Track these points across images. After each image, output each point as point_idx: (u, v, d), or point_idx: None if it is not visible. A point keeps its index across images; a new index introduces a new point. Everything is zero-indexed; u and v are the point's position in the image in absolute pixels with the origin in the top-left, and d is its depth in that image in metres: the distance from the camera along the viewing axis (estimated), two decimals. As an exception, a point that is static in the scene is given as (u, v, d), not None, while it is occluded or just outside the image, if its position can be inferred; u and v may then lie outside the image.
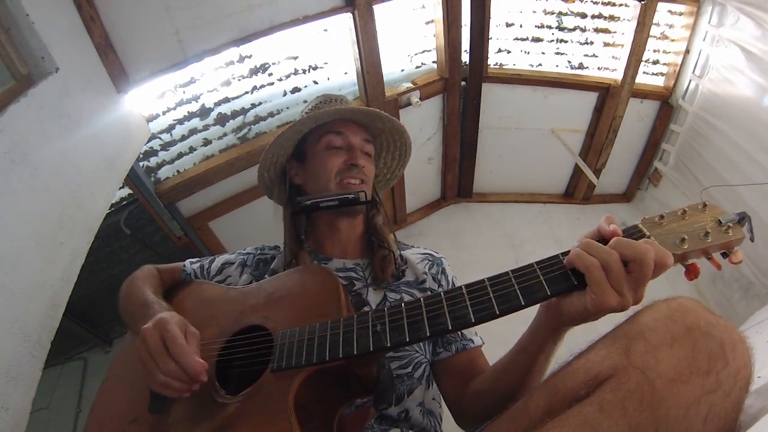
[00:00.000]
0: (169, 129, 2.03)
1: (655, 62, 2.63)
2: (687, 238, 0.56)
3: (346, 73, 2.29)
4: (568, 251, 0.58)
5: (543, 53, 2.62)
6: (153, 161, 2.06)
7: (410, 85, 2.45)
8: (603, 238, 0.58)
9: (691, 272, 0.57)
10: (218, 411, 0.68)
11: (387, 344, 0.61)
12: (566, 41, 2.58)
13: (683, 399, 0.46)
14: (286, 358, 0.66)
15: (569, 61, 2.66)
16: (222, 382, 0.74)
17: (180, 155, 2.11)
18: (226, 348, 0.77)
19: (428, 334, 0.59)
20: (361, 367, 0.68)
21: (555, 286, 0.56)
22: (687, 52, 2.45)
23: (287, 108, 2.23)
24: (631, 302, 0.54)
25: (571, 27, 2.52)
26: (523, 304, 0.56)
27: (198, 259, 1.07)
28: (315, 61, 2.19)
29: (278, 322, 0.74)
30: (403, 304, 0.63)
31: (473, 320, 0.57)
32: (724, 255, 0.57)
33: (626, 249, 0.54)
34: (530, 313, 0.66)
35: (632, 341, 0.51)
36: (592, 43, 2.57)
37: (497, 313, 0.56)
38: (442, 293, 0.61)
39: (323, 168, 0.98)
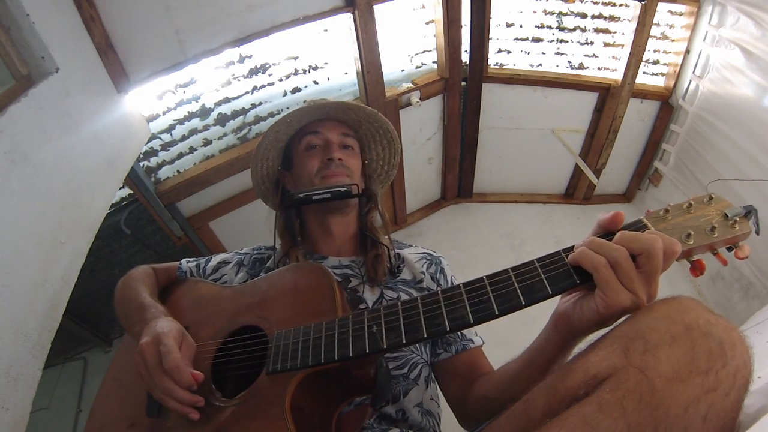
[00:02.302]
0: (170, 129, 2.03)
1: (655, 62, 2.63)
2: (693, 233, 0.54)
3: (346, 73, 2.29)
4: (570, 247, 0.56)
5: (543, 53, 2.62)
6: (153, 161, 2.06)
7: (410, 85, 2.45)
8: (606, 232, 0.57)
9: (697, 268, 0.55)
10: (215, 415, 0.67)
11: (383, 346, 0.59)
12: (566, 41, 2.58)
13: (682, 398, 0.45)
14: (281, 360, 0.65)
15: (569, 61, 2.66)
16: (218, 384, 0.74)
17: (180, 155, 2.12)
18: (221, 350, 0.77)
19: (425, 336, 0.57)
20: (357, 368, 0.67)
21: (557, 285, 0.54)
22: (687, 52, 2.45)
23: (287, 108, 2.23)
24: (645, 299, 0.53)
25: (571, 27, 2.52)
26: (523, 303, 0.54)
27: (195, 258, 1.07)
28: (315, 62, 2.19)
29: (273, 322, 0.73)
30: (399, 304, 0.62)
31: (472, 321, 0.55)
32: (730, 249, 0.55)
33: (633, 242, 0.52)
34: (533, 312, 0.66)
35: (631, 341, 0.50)
36: (592, 43, 2.57)
37: (497, 313, 0.55)
38: (439, 292, 0.60)
39: (304, 168, 1.00)
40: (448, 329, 0.56)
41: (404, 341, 0.58)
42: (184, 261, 1.05)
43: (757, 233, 0.55)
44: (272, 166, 1.07)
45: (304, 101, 1.15)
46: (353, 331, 0.62)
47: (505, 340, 1.02)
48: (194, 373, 0.68)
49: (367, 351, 0.59)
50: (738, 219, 0.54)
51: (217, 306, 0.85)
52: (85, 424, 0.81)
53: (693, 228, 0.54)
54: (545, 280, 0.54)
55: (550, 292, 0.54)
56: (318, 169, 0.99)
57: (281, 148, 1.07)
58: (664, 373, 0.47)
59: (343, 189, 0.92)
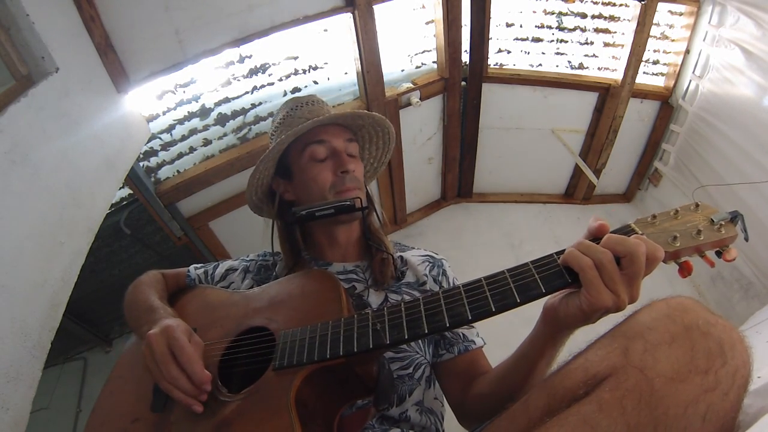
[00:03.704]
0: (170, 129, 2.03)
1: (655, 62, 2.63)
2: (679, 236, 0.56)
3: (346, 73, 2.30)
4: (563, 250, 0.58)
5: (543, 53, 2.63)
6: (153, 161, 2.06)
7: (410, 85, 2.45)
8: (595, 238, 0.59)
9: (685, 270, 0.57)
10: (220, 409, 0.68)
11: (386, 342, 0.61)
12: (566, 41, 2.58)
13: (682, 398, 0.46)
14: (288, 356, 0.67)
15: (569, 61, 2.66)
16: (225, 382, 0.75)
17: (180, 155, 2.12)
18: (229, 348, 0.78)
19: (426, 332, 0.60)
20: (361, 366, 0.68)
21: (550, 284, 0.56)
22: (687, 52, 2.45)
23: (287, 108, 2.23)
24: (627, 301, 0.54)
25: (571, 27, 2.52)
26: (518, 301, 0.57)
27: (202, 264, 1.07)
28: (315, 61, 2.19)
29: (280, 324, 0.75)
30: (402, 303, 0.64)
31: (470, 317, 0.58)
32: (719, 253, 0.57)
33: (617, 246, 0.54)
34: (531, 313, 0.66)
35: (631, 341, 0.51)
36: (592, 43, 2.58)
37: (493, 310, 0.57)
38: (440, 292, 0.62)
39: (315, 182, 0.95)
40: (447, 325, 0.59)
41: (406, 337, 0.61)
42: (192, 268, 1.05)
43: (746, 239, 0.57)
44: (267, 175, 1.00)
45: (294, 98, 1.11)
46: (358, 328, 0.65)
47: (504, 340, 1.02)
48: (205, 371, 0.69)
49: (371, 346, 0.62)
50: (723, 223, 0.56)
51: (225, 310, 0.86)
52: (88, 419, 0.81)
53: (679, 231, 0.57)
54: (539, 280, 0.57)
55: (544, 291, 0.57)
56: (332, 184, 0.94)
57: (277, 158, 1.00)
58: (663, 373, 0.47)
59: (347, 203, 0.90)
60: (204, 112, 2.06)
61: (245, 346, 0.76)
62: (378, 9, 2.02)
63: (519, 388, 0.71)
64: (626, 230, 0.59)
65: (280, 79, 2.15)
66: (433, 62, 2.52)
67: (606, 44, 2.57)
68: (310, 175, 0.96)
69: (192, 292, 0.99)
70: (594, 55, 2.62)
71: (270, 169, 1.00)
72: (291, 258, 0.99)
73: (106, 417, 0.81)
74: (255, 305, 0.83)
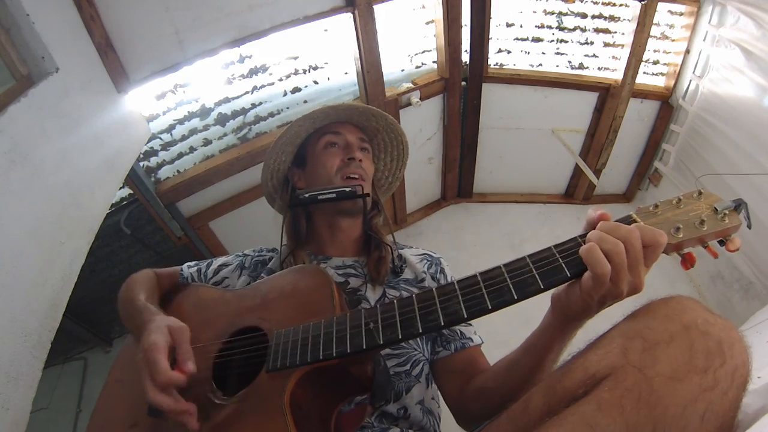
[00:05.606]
0: (170, 129, 2.03)
1: (656, 62, 2.63)
2: (682, 227, 0.55)
3: (346, 73, 2.30)
4: (560, 244, 0.57)
5: (543, 53, 2.62)
6: (153, 161, 2.06)
7: (410, 85, 2.45)
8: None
9: (687, 261, 0.56)
10: (215, 412, 0.68)
11: (380, 342, 0.60)
12: (566, 41, 2.58)
13: (681, 397, 0.46)
14: (281, 358, 0.66)
15: (569, 61, 2.66)
16: (219, 383, 0.74)
17: (180, 155, 2.12)
18: (222, 350, 0.77)
19: (420, 331, 0.59)
20: (355, 366, 0.68)
21: (548, 279, 0.55)
22: (687, 52, 2.45)
23: (287, 108, 2.23)
24: (624, 290, 0.54)
25: (572, 27, 2.52)
26: (515, 298, 0.55)
27: (196, 262, 1.07)
28: (315, 61, 2.19)
29: (273, 323, 0.74)
30: (395, 302, 0.63)
31: (465, 316, 0.57)
32: (721, 243, 0.56)
33: (610, 232, 0.54)
34: (531, 312, 0.66)
35: (630, 340, 0.51)
36: (592, 43, 2.57)
37: (490, 308, 0.56)
38: (434, 289, 0.61)
39: (323, 166, 1.01)
40: (442, 324, 0.58)
41: (400, 337, 0.60)
42: (185, 266, 1.06)
43: (749, 227, 0.56)
44: (284, 162, 1.08)
45: (305, 101, 1.16)
46: (351, 328, 0.63)
47: (503, 339, 1.02)
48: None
49: (364, 347, 0.61)
50: (727, 212, 0.55)
51: (218, 309, 0.86)
52: (87, 424, 0.81)
53: (682, 222, 0.55)
54: (537, 276, 0.55)
55: (542, 287, 0.55)
56: (338, 168, 1.01)
57: (297, 145, 1.08)
58: (662, 372, 0.47)
59: (348, 189, 0.94)
60: (204, 112, 2.06)
61: (238, 347, 0.76)
62: (378, 9, 2.02)
63: (523, 382, 0.70)
64: (627, 221, 0.58)
65: (280, 79, 2.15)
66: (433, 62, 2.52)
67: (606, 44, 2.56)
68: (321, 160, 1.03)
69: (185, 291, 0.98)
70: (594, 55, 2.62)
71: (288, 156, 1.08)
72: (292, 242, 1.01)
73: (104, 422, 0.81)
74: (248, 303, 0.82)
